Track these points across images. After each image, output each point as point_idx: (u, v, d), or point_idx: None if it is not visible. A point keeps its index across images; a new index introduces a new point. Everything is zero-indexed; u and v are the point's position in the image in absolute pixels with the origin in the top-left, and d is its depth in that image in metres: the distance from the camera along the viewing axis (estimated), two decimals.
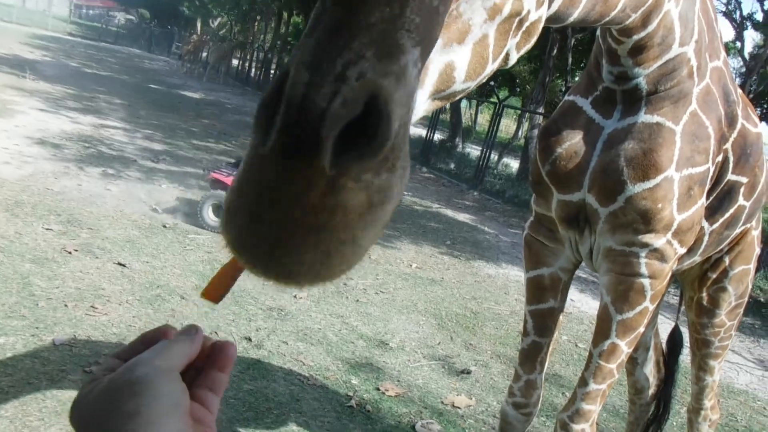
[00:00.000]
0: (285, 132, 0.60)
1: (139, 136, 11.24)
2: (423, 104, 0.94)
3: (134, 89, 18.99)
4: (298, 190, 0.61)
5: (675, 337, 3.52)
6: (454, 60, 0.95)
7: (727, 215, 2.46)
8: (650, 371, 3.43)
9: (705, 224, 2.41)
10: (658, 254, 2.13)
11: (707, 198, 2.30)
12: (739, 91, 2.44)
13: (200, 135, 13.04)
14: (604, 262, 2.22)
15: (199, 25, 44.47)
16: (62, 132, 9.88)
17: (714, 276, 2.95)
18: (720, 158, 2.25)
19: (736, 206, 2.46)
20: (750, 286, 3.09)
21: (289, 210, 0.61)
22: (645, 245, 2.11)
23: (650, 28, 1.88)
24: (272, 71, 30.35)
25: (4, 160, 7.41)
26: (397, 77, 0.65)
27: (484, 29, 0.99)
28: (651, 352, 3.42)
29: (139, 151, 9.94)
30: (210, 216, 6.70)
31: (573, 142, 2.16)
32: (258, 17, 38.64)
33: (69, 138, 9.56)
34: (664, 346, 3.59)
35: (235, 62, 35.64)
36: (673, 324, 3.50)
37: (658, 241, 2.10)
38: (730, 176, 2.35)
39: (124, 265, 5.14)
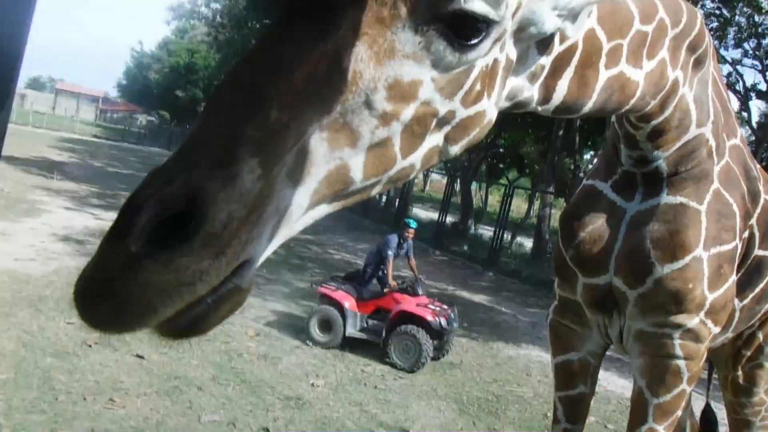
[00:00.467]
0: (116, 220, 0.78)
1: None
2: (307, 204, 0.96)
3: None
4: (111, 263, 0.77)
5: (708, 416, 3.36)
6: (348, 162, 0.98)
7: (757, 290, 2.44)
8: None
9: (735, 300, 2.35)
10: (692, 335, 2.09)
11: (736, 274, 2.27)
12: (758, 166, 2.46)
13: None
14: (636, 344, 2.18)
15: None
16: (86, 228, 10.17)
17: (748, 353, 2.86)
18: (746, 234, 2.25)
19: (765, 281, 2.44)
20: None
21: (104, 278, 0.78)
22: (678, 326, 2.07)
23: (667, 112, 1.90)
24: None
25: (31, 257, 7.61)
26: (224, 181, 0.80)
27: (381, 134, 1.00)
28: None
29: None
30: (316, 331, 6.57)
31: (596, 225, 2.17)
32: None
33: (92, 234, 9.83)
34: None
35: None
36: (705, 402, 3.40)
37: (691, 321, 2.06)
38: (757, 251, 2.34)
39: (142, 357, 5.17)
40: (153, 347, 5.43)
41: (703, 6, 16.36)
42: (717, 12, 16.84)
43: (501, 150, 31.50)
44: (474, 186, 29.87)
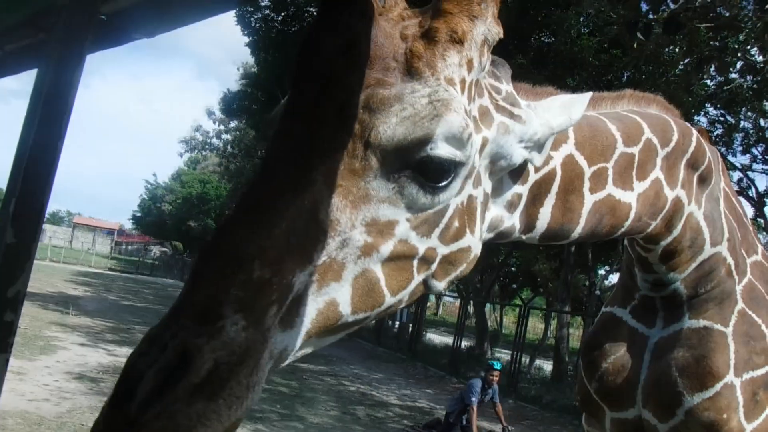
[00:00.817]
0: (116, 388, 0.85)
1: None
2: (300, 343, 1.00)
3: None
4: (115, 428, 0.84)
5: None
6: (335, 297, 1.02)
7: None
8: None
9: None
10: None
11: None
12: None
13: None
14: None
15: None
16: (99, 365, 10.12)
17: None
18: None
19: None
20: None
21: None
22: None
23: (675, 232, 1.86)
24: None
25: (44, 397, 7.56)
26: (210, 334, 0.86)
27: (364, 264, 1.05)
28: None
29: None
30: None
31: (618, 355, 2.08)
32: None
33: (106, 371, 9.77)
34: None
35: None
36: None
37: None
38: None
39: None
40: None
41: (707, 113, 16.89)
42: (721, 118, 17.29)
43: (513, 269, 31.54)
44: (488, 307, 29.56)
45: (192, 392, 0.84)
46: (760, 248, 2.25)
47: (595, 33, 13.32)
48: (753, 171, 19.12)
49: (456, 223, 1.19)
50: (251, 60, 25.57)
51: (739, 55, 11.85)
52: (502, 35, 1.22)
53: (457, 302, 26.74)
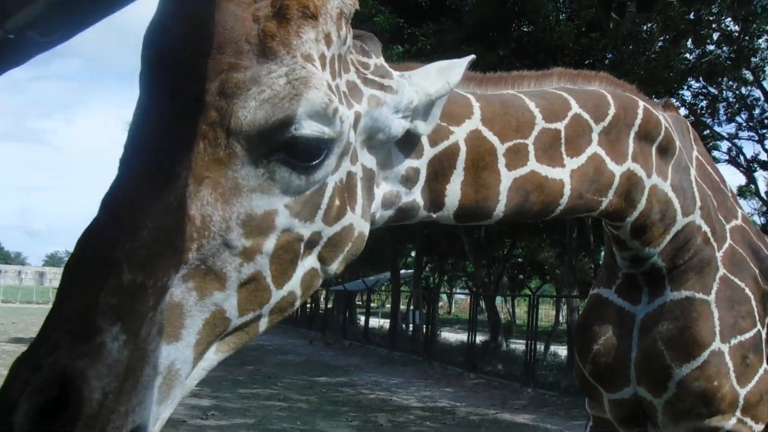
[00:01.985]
0: None
1: (187, 394, 11.39)
2: (192, 355, 0.97)
3: None
4: None
5: None
6: (222, 306, 1.01)
7: None
8: None
9: None
10: None
11: None
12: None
13: (246, 383, 13.14)
14: None
15: None
16: None
17: None
18: None
19: None
20: None
21: None
22: (715, 430, 1.92)
23: (640, 206, 1.84)
24: (308, 306, 31.25)
25: None
26: (92, 356, 0.81)
27: (248, 270, 1.03)
28: None
29: (188, 410, 10.01)
30: None
31: (608, 335, 2.09)
32: None
33: None
34: None
35: None
36: None
37: (728, 422, 1.91)
38: None
39: None
40: None
41: (690, 87, 16.98)
42: (704, 90, 17.37)
43: (520, 260, 31.52)
44: (499, 300, 29.52)
45: (87, 425, 0.79)
46: (740, 212, 2.25)
47: (573, 18, 13.38)
48: (740, 139, 19.24)
49: (337, 202, 1.18)
50: None
51: (714, 26, 11.87)
52: (357, 6, 1.21)
53: (468, 299, 26.72)
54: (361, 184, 1.27)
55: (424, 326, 20.21)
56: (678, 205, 1.94)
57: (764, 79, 16.54)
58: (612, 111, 1.79)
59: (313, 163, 1.08)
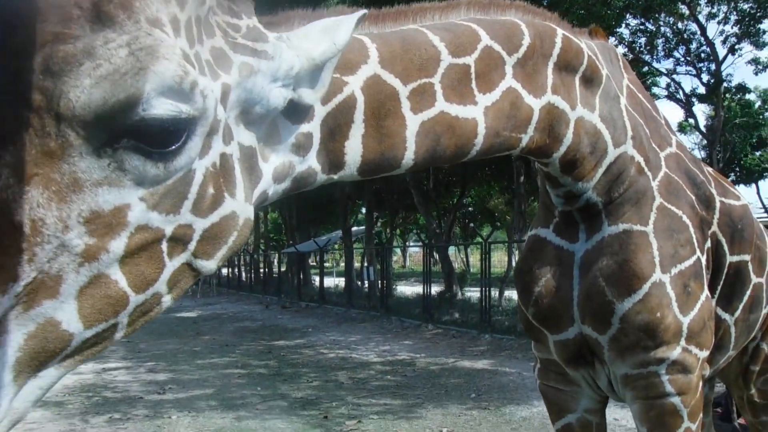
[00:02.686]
0: None
1: (143, 370, 11.09)
2: (11, 376, 0.84)
3: None
4: None
5: None
6: (54, 316, 0.86)
7: (745, 299, 2.29)
8: None
9: (726, 316, 2.24)
10: (679, 366, 1.92)
11: (714, 288, 2.16)
12: (709, 169, 2.33)
13: (203, 353, 12.91)
14: (626, 390, 2.01)
15: None
16: (64, 387, 9.71)
17: (757, 368, 2.70)
18: (709, 244, 2.11)
19: (750, 287, 2.30)
20: None
21: None
22: (661, 361, 1.91)
23: (567, 141, 1.76)
24: (261, 270, 30.96)
25: None
26: None
27: (89, 272, 0.88)
28: None
29: (144, 386, 9.74)
30: None
31: (548, 277, 2.03)
32: None
33: (71, 392, 9.39)
34: None
35: (224, 271, 36.45)
36: (732, 426, 3.23)
37: (673, 352, 1.91)
38: (731, 258, 2.19)
39: None
40: None
41: (628, 25, 17.20)
42: (642, 27, 17.64)
43: (470, 209, 31.97)
44: (452, 250, 29.95)
45: None
46: (674, 140, 2.19)
47: None
48: (678, 74, 19.71)
49: (210, 190, 1.01)
50: None
51: None
52: None
53: (422, 251, 26.93)
54: (241, 166, 1.10)
55: (379, 282, 20.25)
56: (608, 137, 1.86)
57: (700, 12, 16.85)
58: (527, 41, 1.64)
59: (172, 148, 0.90)
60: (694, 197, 2.09)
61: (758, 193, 44.76)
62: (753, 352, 2.68)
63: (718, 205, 2.18)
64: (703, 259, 2.03)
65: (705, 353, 2.00)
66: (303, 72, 1.16)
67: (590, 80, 1.84)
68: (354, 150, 1.32)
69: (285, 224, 32.24)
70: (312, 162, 1.28)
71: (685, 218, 2.00)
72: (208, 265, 1.05)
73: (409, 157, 1.40)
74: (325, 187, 1.36)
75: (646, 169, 1.98)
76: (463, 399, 8.23)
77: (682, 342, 1.91)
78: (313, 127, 1.26)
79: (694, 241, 2.00)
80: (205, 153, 1.00)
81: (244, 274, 33.71)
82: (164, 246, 0.96)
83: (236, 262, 34.80)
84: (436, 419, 7.26)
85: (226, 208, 1.04)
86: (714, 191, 2.21)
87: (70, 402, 8.77)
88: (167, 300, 1.01)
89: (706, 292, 2.01)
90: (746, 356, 2.70)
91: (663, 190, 2.00)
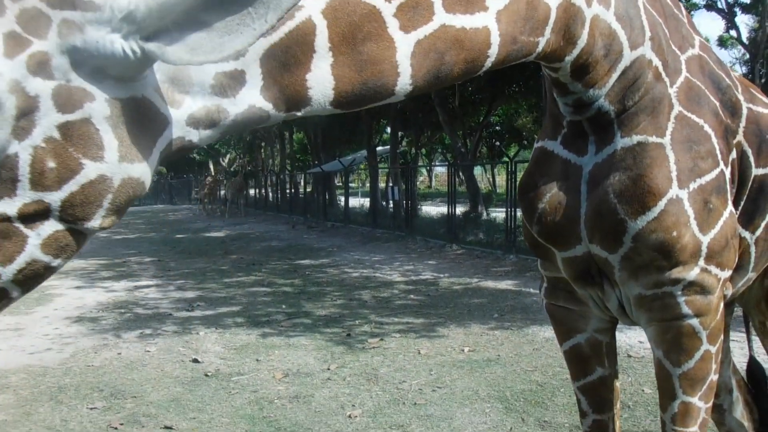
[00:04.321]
0: None
1: (172, 288, 11.39)
2: None
3: (162, 243, 19.55)
4: None
5: (755, 371, 3.12)
6: None
7: None
8: (742, 414, 3.00)
9: (746, 234, 2.10)
10: (697, 287, 1.83)
11: (737, 203, 2.02)
12: (735, 73, 2.14)
13: (230, 272, 13.18)
14: (639, 312, 1.93)
15: (211, 166, 46.51)
16: (98, 304, 10.05)
17: None
18: (734, 155, 1.97)
19: None
20: None
21: None
22: (677, 281, 1.81)
23: (581, 43, 1.60)
24: (288, 191, 31.14)
25: (46, 347, 7.49)
26: None
27: None
28: (736, 393, 3.00)
29: (173, 303, 10.02)
30: None
31: (553, 192, 1.91)
32: (263, 144, 40.23)
33: (105, 308, 9.71)
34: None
35: (252, 192, 36.80)
36: (749, 356, 3.15)
37: (690, 273, 1.80)
38: (756, 171, 2.04)
39: (171, 428, 4.98)
40: (181, 414, 5.25)
41: None
42: None
43: (498, 128, 31.29)
44: (478, 170, 29.58)
45: None
46: (697, 40, 1.98)
47: None
48: None
49: (50, 164, 0.96)
50: None
51: None
52: None
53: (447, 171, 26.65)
54: (117, 122, 1.00)
55: (404, 202, 20.20)
56: (624, 38, 1.67)
57: None
58: None
59: None
60: (718, 103, 1.92)
61: None
62: None
63: (745, 112, 2.02)
64: (728, 172, 1.89)
65: (727, 273, 1.89)
66: (150, 16, 0.95)
67: None
68: (322, 82, 1.16)
69: (310, 144, 32.04)
70: (254, 100, 1.12)
71: (707, 127, 1.84)
72: (90, 225, 1.04)
73: (404, 82, 1.23)
74: (350, 108, 1.19)
75: (664, 75, 1.80)
76: (486, 319, 8.27)
77: (701, 262, 1.81)
78: (243, 63, 1.10)
79: (717, 152, 1.84)
80: (26, 133, 0.94)
81: (270, 195, 33.99)
82: (17, 224, 0.97)
83: (263, 183, 35.06)
84: (458, 338, 7.33)
85: (89, 174, 0.99)
86: (741, 97, 2.04)
87: (104, 318, 9.07)
88: (56, 262, 1.04)
89: (730, 207, 1.88)
90: (767, 279, 2.58)
91: (683, 96, 1.83)
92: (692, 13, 18.56)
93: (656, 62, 1.78)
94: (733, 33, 19.36)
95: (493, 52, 1.36)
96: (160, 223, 29.05)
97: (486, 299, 9.54)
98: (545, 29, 1.48)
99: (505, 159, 17.46)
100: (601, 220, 1.81)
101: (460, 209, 18.48)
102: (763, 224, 2.14)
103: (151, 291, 11.18)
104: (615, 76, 1.71)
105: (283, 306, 9.46)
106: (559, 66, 1.64)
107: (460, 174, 20.90)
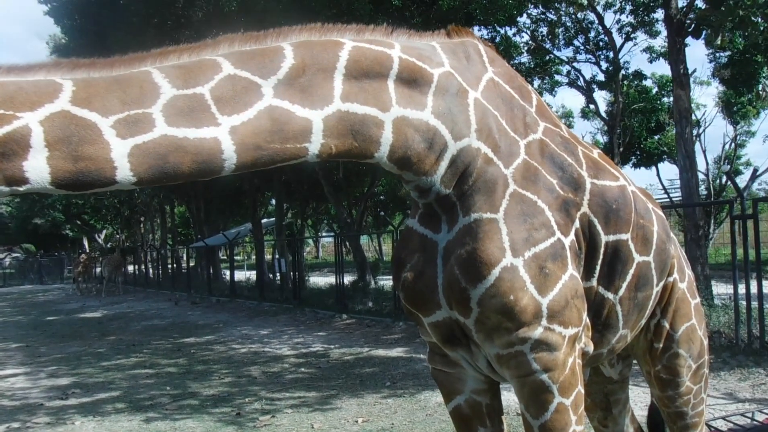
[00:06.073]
0: None
1: (43, 375, 10.46)
2: None
3: (31, 327, 17.89)
4: None
5: (654, 416, 3.32)
6: None
7: (628, 277, 2.34)
8: None
9: (609, 295, 2.30)
10: (543, 345, 2.01)
11: (591, 268, 2.23)
12: (581, 150, 2.35)
13: (108, 354, 12.33)
14: (501, 369, 2.11)
15: (86, 243, 43.63)
16: None
17: (660, 345, 2.79)
18: (578, 225, 2.16)
19: (634, 265, 2.35)
20: (705, 341, 2.91)
21: None
22: (525, 340, 1.99)
23: (386, 140, 1.83)
24: (170, 266, 29.85)
25: None
26: None
27: None
28: None
29: (45, 392, 9.20)
30: None
31: (413, 263, 2.15)
32: (142, 218, 38.55)
33: None
34: (645, 427, 3.40)
35: (131, 268, 34.82)
36: (650, 402, 3.29)
37: (534, 332, 1.99)
38: (606, 238, 2.24)
39: None
40: None
41: (529, 15, 17.85)
42: (543, 16, 18.38)
43: (381, 197, 32.22)
44: (365, 239, 30.05)
45: None
46: (542, 126, 2.25)
47: None
48: (578, 62, 20.68)
49: None
50: (58, 30, 23.02)
51: None
52: None
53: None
54: None
55: (292, 274, 20.08)
56: (446, 131, 1.95)
57: (598, 3, 17.77)
58: (288, 62, 1.74)
59: None
60: (556, 180, 2.14)
61: (658, 174, 47.76)
62: (655, 329, 2.79)
63: (588, 186, 2.23)
64: (567, 240, 2.09)
65: (572, 330, 2.06)
66: None
67: (413, 81, 1.90)
68: (38, 169, 1.45)
69: (193, 218, 31.18)
70: None
71: (540, 202, 2.06)
72: None
73: (124, 174, 1.52)
74: (233, 179, 1.46)
75: (495, 159, 2.04)
76: (378, 388, 8.36)
77: (544, 321, 1.99)
78: None
79: (553, 223, 2.06)
80: None
81: (151, 271, 32.37)
82: None
83: (143, 259, 33.36)
84: (352, 409, 7.35)
85: None
86: (585, 173, 2.25)
87: None
88: None
89: (571, 271, 2.07)
90: (649, 333, 2.81)
91: (519, 176, 2.06)
92: (556, 90, 20.79)
93: (485, 149, 2.02)
94: (592, 107, 21.79)
95: (228, 156, 1.62)
96: (28, 305, 26.57)
97: (378, 368, 9.65)
98: (309, 137, 1.72)
99: (390, 228, 18.04)
100: (451, 290, 2.03)
101: (348, 278, 18.66)
102: (624, 285, 2.33)
103: (18, 380, 10.19)
104: (444, 164, 1.96)
105: (168, 388, 8.99)
106: (373, 161, 1.88)
107: (347, 244, 21.23)
